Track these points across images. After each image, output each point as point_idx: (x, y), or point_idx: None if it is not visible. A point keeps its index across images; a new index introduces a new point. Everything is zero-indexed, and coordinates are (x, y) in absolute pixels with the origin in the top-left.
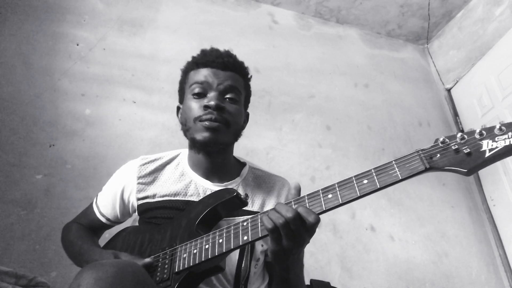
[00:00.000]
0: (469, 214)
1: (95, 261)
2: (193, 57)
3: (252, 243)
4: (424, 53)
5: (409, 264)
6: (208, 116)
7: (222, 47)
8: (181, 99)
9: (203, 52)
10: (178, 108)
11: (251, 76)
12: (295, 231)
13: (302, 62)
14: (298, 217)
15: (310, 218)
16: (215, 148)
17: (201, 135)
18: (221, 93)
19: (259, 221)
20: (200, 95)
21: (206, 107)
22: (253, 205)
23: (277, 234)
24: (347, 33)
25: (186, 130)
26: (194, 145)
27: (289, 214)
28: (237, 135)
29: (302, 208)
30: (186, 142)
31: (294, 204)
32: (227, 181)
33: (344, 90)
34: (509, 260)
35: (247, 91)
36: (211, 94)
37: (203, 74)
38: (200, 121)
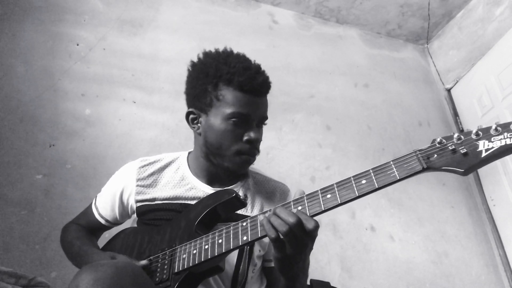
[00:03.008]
0: (469, 214)
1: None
2: (232, 71)
3: (251, 248)
4: (424, 53)
5: (409, 264)
6: (251, 152)
7: (222, 47)
8: (203, 108)
9: (246, 70)
10: (190, 114)
11: None
12: (298, 237)
13: (302, 62)
14: (300, 222)
15: (309, 225)
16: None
17: (237, 168)
18: (258, 123)
19: (258, 221)
20: (239, 123)
21: (249, 141)
22: (252, 210)
23: (281, 241)
24: (347, 33)
25: (216, 154)
26: (220, 168)
27: (291, 220)
28: None
29: (301, 214)
30: (186, 142)
31: (294, 208)
32: (227, 186)
33: (344, 90)
34: (509, 260)
35: None
36: (253, 127)
37: (246, 103)
38: (241, 154)
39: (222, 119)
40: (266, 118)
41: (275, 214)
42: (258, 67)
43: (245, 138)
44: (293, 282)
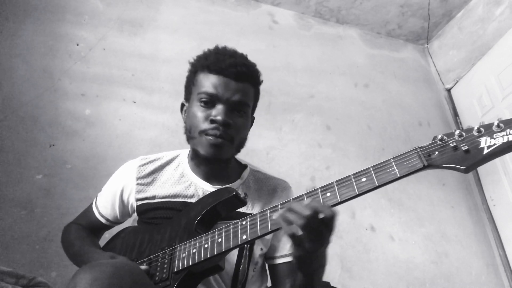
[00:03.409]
0: (469, 214)
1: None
2: (205, 57)
3: (251, 247)
4: (424, 53)
5: (409, 264)
6: (214, 132)
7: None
8: (187, 97)
9: (217, 54)
10: (183, 105)
11: (262, 80)
12: (316, 230)
13: (302, 62)
14: (315, 213)
15: (327, 212)
16: (216, 164)
17: (205, 151)
18: (229, 107)
19: (258, 220)
20: (208, 104)
21: (213, 121)
22: (253, 208)
23: (299, 237)
24: (347, 33)
25: (189, 137)
26: (196, 155)
27: (307, 212)
28: (240, 147)
29: (316, 203)
30: (186, 142)
31: (306, 199)
32: (227, 184)
33: (344, 90)
34: (509, 260)
35: (256, 98)
36: (219, 107)
37: (213, 83)
38: (206, 134)
39: (195, 102)
40: (241, 103)
41: (289, 209)
42: (232, 52)
43: (210, 117)
44: (311, 278)
